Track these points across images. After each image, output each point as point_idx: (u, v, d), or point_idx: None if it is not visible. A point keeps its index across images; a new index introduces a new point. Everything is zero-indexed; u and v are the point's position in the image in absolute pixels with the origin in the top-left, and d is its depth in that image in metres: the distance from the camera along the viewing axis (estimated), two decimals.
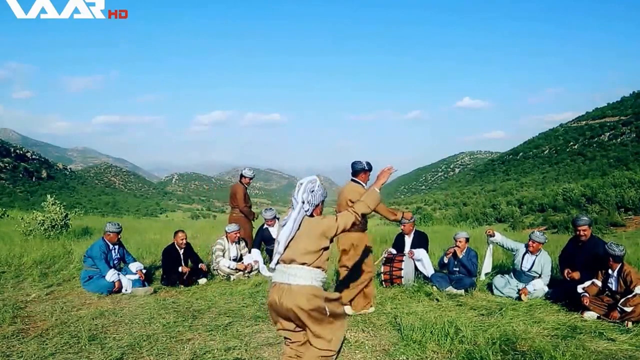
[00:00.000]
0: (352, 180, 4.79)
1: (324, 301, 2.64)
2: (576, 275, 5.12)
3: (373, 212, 3.14)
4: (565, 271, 5.28)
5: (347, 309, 4.74)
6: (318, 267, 2.68)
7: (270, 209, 7.29)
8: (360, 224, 4.24)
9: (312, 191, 2.76)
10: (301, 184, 2.81)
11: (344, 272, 4.85)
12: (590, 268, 5.00)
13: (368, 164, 4.76)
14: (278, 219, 6.92)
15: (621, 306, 4.44)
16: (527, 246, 5.68)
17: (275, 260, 2.73)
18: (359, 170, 4.73)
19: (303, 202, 2.75)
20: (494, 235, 5.93)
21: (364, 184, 4.67)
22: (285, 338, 2.78)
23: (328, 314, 2.64)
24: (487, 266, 6.09)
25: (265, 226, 7.02)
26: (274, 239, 6.63)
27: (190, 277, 6.08)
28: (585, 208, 31.29)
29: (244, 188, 7.19)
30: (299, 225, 2.72)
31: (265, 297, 5.34)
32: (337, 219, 2.74)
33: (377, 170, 3.22)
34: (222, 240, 6.58)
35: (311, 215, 2.79)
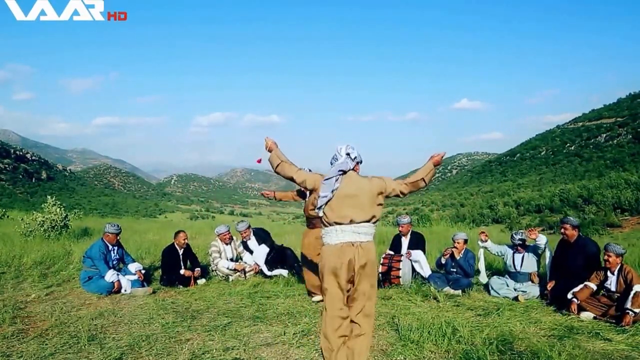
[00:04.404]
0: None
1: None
2: (550, 285, 5.21)
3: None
4: (548, 285, 5.29)
5: (317, 297, 5.07)
6: (377, 221, 3.08)
7: (242, 221, 7.13)
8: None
9: (353, 148, 3.20)
10: (341, 147, 3.21)
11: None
12: (582, 269, 5.00)
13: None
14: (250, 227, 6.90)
15: (632, 309, 4.30)
16: (512, 247, 5.84)
17: (322, 204, 3.00)
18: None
19: (348, 154, 3.15)
20: (486, 241, 6.02)
21: None
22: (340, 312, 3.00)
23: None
24: (482, 276, 6.08)
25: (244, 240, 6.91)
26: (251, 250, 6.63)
27: (190, 279, 6.09)
28: (582, 209, 31.36)
29: None
30: (345, 174, 3.07)
31: (263, 297, 5.36)
32: (385, 180, 3.15)
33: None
34: (216, 243, 6.60)
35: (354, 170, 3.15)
